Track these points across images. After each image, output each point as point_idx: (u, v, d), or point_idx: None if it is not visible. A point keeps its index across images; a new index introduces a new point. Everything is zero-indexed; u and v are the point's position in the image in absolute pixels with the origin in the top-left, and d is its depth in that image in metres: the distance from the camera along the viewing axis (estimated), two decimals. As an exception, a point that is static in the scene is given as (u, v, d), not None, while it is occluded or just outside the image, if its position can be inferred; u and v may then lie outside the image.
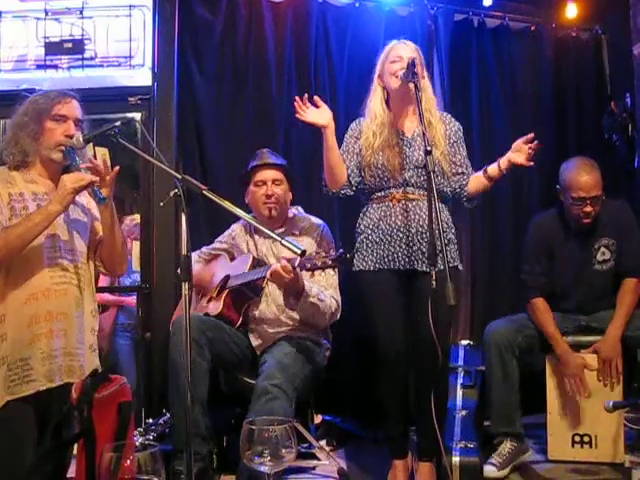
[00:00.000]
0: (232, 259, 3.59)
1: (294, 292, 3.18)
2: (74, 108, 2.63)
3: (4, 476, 2.32)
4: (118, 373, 4.15)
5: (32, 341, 2.42)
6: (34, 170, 2.59)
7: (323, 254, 2.85)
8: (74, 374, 2.51)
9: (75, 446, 2.41)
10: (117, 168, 2.57)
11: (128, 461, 1.21)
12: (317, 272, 3.13)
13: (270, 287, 3.35)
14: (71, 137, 2.57)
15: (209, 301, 3.46)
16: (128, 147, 2.52)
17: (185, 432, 2.17)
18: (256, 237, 3.52)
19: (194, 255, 3.66)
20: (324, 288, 3.28)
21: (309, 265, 2.85)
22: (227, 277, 3.45)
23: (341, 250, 2.90)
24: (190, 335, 2.16)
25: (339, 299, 3.36)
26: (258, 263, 3.39)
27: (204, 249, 3.73)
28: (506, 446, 3.38)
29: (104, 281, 4.62)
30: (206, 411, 3.11)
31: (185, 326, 2.16)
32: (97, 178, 2.49)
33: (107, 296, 4.74)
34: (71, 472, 2.49)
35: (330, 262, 2.83)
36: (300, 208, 3.69)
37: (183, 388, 2.89)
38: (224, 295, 3.37)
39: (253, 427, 1.53)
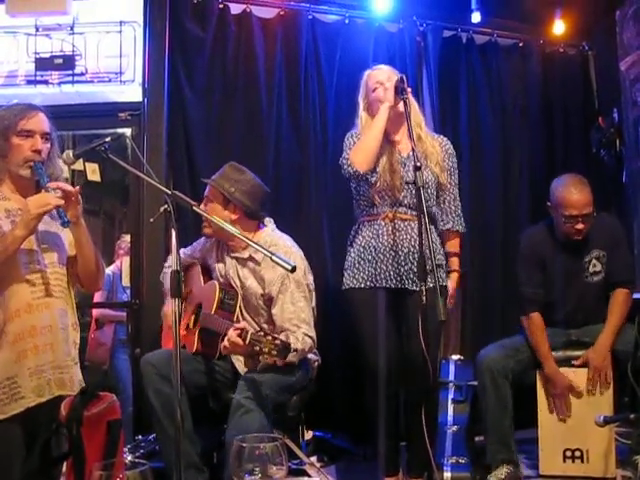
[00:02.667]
0: (203, 273, 3.52)
1: (253, 355, 3.06)
2: (40, 122, 2.59)
3: None
4: (117, 388, 4.16)
5: (18, 358, 2.40)
6: (5, 187, 2.57)
7: (270, 339, 2.77)
8: (65, 387, 2.49)
9: (64, 464, 2.40)
10: (77, 188, 2.54)
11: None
12: (287, 305, 3.15)
13: (245, 313, 3.31)
14: (38, 152, 2.54)
15: (186, 329, 3.42)
16: (118, 163, 2.52)
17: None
18: (226, 257, 3.39)
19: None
20: (296, 326, 3.14)
21: (257, 347, 2.79)
22: (200, 306, 3.38)
23: (290, 342, 2.84)
24: (179, 351, 2.14)
25: (313, 334, 3.19)
26: (225, 294, 3.28)
27: (182, 253, 3.59)
28: (503, 469, 3.36)
29: (99, 296, 4.62)
30: (195, 440, 3.08)
31: (175, 345, 2.14)
32: (62, 202, 2.45)
33: (107, 311, 4.73)
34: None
35: (275, 352, 2.75)
36: (271, 223, 3.45)
37: (168, 425, 2.92)
38: (197, 331, 3.29)
39: (243, 445, 1.52)
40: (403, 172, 3.20)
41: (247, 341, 2.85)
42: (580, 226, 3.46)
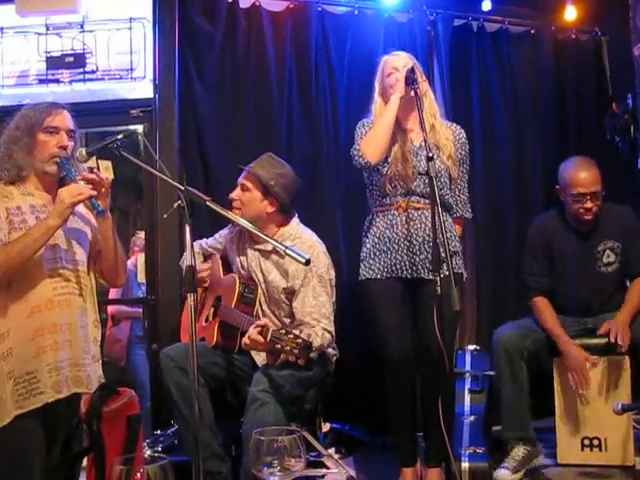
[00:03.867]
0: (223, 264, 3.54)
1: (274, 352, 3.06)
2: (65, 119, 2.62)
3: None
4: (135, 384, 4.18)
5: (38, 354, 2.41)
6: (30, 183, 2.58)
7: (292, 337, 2.79)
8: (81, 384, 2.51)
9: (85, 460, 2.41)
10: (109, 179, 2.57)
11: (138, 474, 1.21)
12: (309, 298, 3.16)
13: (265, 307, 3.33)
14: (64, 148, 2.57)
15: (206, 321, 3.45)
16: (131, 160, 2.53)
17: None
18: (248, 249, 3.40)
19: (196, 246, 3.61)
20: (316, 320, 3.15)
21: (278, 345, 2.80)
22: (219, 299, 3.40)
23: (311, 340, 2.86)
24: (195, 346, 2.15)
25: (333, 329, 3.21)
26: (245, 288, 3.30)
27: (204, 243, 3.66)
28: (519, 450, 3.36)
29: (115, 293, 4.64)
30: (215, 431, 3.12)
31: (191, 339, 2.16)
32: (95, 192, 2.49)
33: (123, 308, 4.75)
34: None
35: (297, 351, 2.77)
36: (296, 217, 3.46)
37: (189, 419, 2.94)
38: (217, 324, 3.30)
39: (262, 438, 1.53)
40: (415, 161, 3.20)
41: (268, 339, 2.86)
42: (589, 204, 3.45)
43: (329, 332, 3.16)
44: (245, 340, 3.00)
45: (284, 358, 2.97)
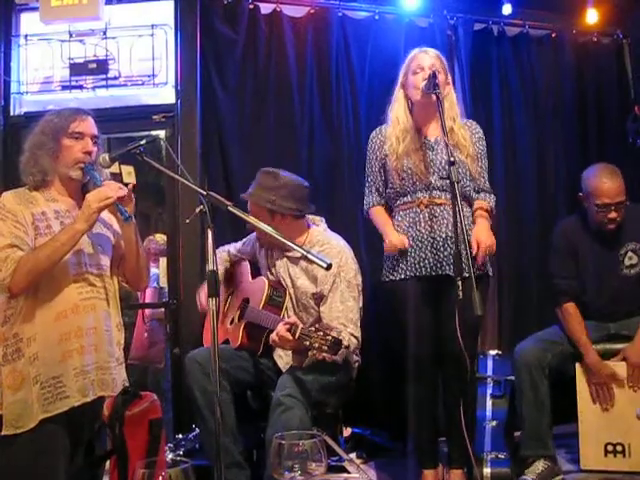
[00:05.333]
0: (252, 269, 3.57)
1: (302, 351, 3.05)
2: (90, 125, 2.65)
3: None
4: (160, 387, 4.20)
5: (64, 358, 2.44)
6: (54, 189, 2.61)
7: (322, 334, 2.78)
8: (107, 387, 2.53)
9: (107, 462, 2.43)
10: (132, 184, 2.59)
11: (160, 478, 1.22)
12: (336, 303, 3.16)
13: (291, 312, 3.32)
14: (89, 154, 2.59)
15: (231, 323, 3.46)
16: (153, 165, 2.55)
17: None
18: (276, 255, 3.42)
19: (224, 253, 3.67)
20: (343, 325, 3.14)
21: (307, 342, 2.80)
22: (247, 301, 3.42)
23: (341, 338, 2.84)
24: (217, 353, 2.16)
25: (359, 334, 3.21)
26: (274, 291, 3.32)
27: (233, 249, 3.70)
28: (539, 465, 3.33)
29: (150, 296, 4.67)
30: (237, 438, 3.12)
31: (213, 343, 2.16)
32: (123, 193, 2.51)
33: (158, 310, 4.79)
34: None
35: (326, 348, 2.76)
36: (323, 223, 3.52)
37: (212, 425, 2.92)
38: (243, 326, 3.32)
39: (283, 442, 1.53)
40: (432, 155, 3.20)
41: (296, 336, 2.87)
42: (613, 215, 3.43)
43: (355, 337, 3.16)
44: (273, 337, 3.00)
45: (312, 356, 2.91)
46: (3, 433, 2.37)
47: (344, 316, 3.15)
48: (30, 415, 2.36)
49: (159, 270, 5.06)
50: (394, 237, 3.20)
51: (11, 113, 4.32)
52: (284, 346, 3.06)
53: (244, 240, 3.66)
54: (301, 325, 2.92)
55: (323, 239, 3.34)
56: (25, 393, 2.38)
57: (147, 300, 4.83)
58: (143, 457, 2.15)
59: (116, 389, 2.55)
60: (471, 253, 2.65)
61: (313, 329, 2.82)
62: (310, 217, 3.46)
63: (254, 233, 3.59)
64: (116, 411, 2.28)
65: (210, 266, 2.24)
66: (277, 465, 1.54)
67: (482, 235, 3.14)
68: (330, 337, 2.76)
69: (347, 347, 2.95)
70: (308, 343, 2.80)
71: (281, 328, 2.95)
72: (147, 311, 4.94)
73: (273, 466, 1.55)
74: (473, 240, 2.97)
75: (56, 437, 2.39)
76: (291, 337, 2.90)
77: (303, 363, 3.07)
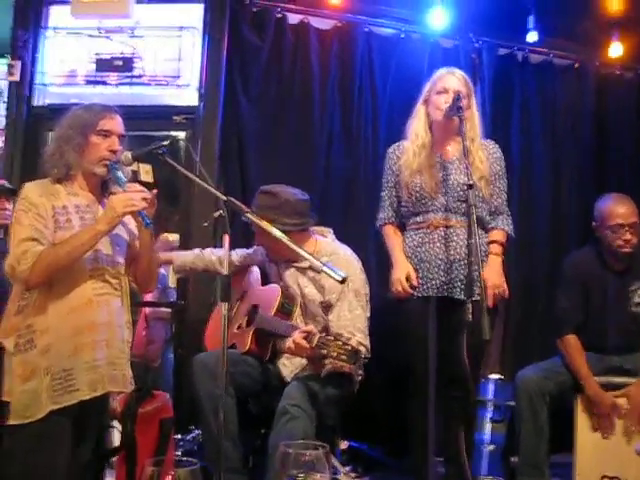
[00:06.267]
0: (262, 275, 3.57)
1: (317, 359, 3.04)
2: (118, 124, 2.66)
3: None
4: (160, 386, 4.22)
5: (75, 352, 2.45)
6: (76, 183, 2.62)
7: (340, 344, 2.78)
8: (117, 383, 2.55)
9: (114, 458, 2.45)
10: (155, 191, 2.60)
11: (169, 477, 1.24)
12: (344, 312, 3.17)
13: (298, 320, 3.32)
14: (115, 152, 2.60)
15: (238, 327, 3.48)
16: (175, 167, 2.57)
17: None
18: (283, 265, 3.43)
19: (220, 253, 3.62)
20: (351, 334, 3.13)
21: (325, 351, 2.80)
22: (256, 307, 3.42)
23: (361, 348, 2.86)
24: (226, 359, 2.17)
25: (368, 343, 3.21)
26: (286, 300, 3.31)
27: (235, 253, 3.66)
28: None
29: (150, 295, 4.68)
30: (238, 444, 3.12)
31: (222, 346, 2.18)
32: (146, 205, 2.51)
33: (160, 309, 4.80)
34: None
35: (345, 357, 2.75)
36: (331, 234, 3.53)
37: (214, 429, 2.95)
38: (251, 332, 3.30)
39: (290, 450, 1.54)
40: (446, 175, 3.21)
41: (313, 344, 2.87)
42: (628, 236, 3.48)
43: (364, 345, 3.17)
44: (290, 344, 3.00)
45: (331, 365, 2.89)
46: (11, 422, 2.38)
47: (352, 325, 3.15)
48: (39, 406, 2.37)
49: (167, 271, 5.06)
50: (400, 272, 3.21)
51: (34, 104, 4.37)
52: (300, 354, 3.06)
53: (255, 247, 3.66)
54: (318, 334, 2.92)
55: (331, 250, 3.35)
56: (35, 384, 2.40)
57: (148, 299, 4.83)
58: (152, 455, 2.17)
59: (125, 385, 2.57)
60: (481, 274, 2.65)
61: (331, 338, 2.82)
62: (318, 228, 3.48)
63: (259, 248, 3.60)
64: (129, 408, 2.30)
65: (225, 271, 2.26)
66: (281, 473, 1.55)
67: (492, 276, 3.13)
68: (349, 346, 2.77)
69: (365, 358, 2.97)
70: (325, 352, 2.79)
71: (297, 336, 2.95)
72: (148, 310, 4.95)
73: (278, 474, 1.56)
74: (482, 280, 2.94)
75: (62, 428, 2.41)
76: (307, 345, 2.90)
77: (320, 371, 3.02)
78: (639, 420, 3.39)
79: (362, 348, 3.13)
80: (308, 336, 2.91)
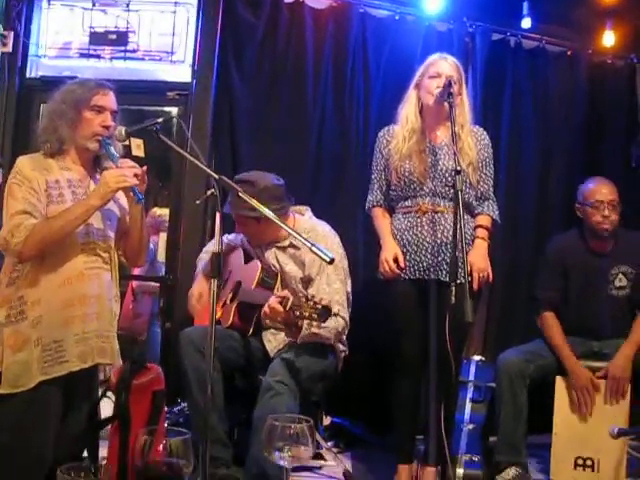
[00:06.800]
0: (245, 255, 3.63)
1: (292, 324, 3.16)
2: (111, 100, 2.68)
3: (27, 455, 2.39)
4: (153, 360, 4.29)
5: (66, 323, 2.49)
6: (69, 158, 2.65)
7: (312, 304, 2.84)
8: (106, 355, 2.59)
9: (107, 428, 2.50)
10: (145, 167, 2.63)
11: (161, 445, 1.29)
12: (323, 285, 3.25)
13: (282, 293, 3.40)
14: (107, 128, 2.63)
15: (223, 305, 3.53)
16: (169, 144, 2.59)
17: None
18: (264, 247, 3.50)
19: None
20: (330, 304, 3.16)
21: (298, 312, 2.88)
22: (239, 283, 3.49)
23: (339, 320, 2.97)
24: (214, 336, 2.22)
25: (346, 316, 3.31)
26: (266, 273, 3.40)
27: (226, 237, 3.73)
28: (511, 471, 3.42)
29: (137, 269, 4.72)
30: (223, 417, 3.19)
31: (211, 321, 2.23)
32: (138, 182, 2.55)
33: (147, 283, 4.84)
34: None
35: (316, 316, 2.83)
36: (308, 211, 3.62)
37: (200, 402, 3.00)
38: (234, 306, 3.40)
39: (276, 423, 1.61)
40: (433, 160, 3.25)
41: (287, 307, 2.95)
42: (606, 212, 3.58)
43: (342, 317, 3.25)
44: (265, 309, 3.08)
45: (305, 333, 3.04)
46: (1, 391, 2.42)
47: (331, 298, 3.17)
48: (29, 376, 2.42)
49: (154, 245, 5.09)
50: (388, 253, 3.25)
51: (27, 75, 4.36)
52: (275, 318, 3.12)
53: (234, 235, 3.72)
54: (292, 297, 2.99)
55: (309, 227, 3.43)
56: (26, 354, 2.44)
57: (136, 272, 4.87)
58: (144, 425, 2.23)
59: (113, 358, 2.61)
60: (466, 261, 2.71)
61: (304, 299, 2.89)
62: (295, 207, 3.54)
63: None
64: (123, 379, 2.35)
65: (215, 248, 2.30)
66: (268, 444, 1.62)
67: (477, 260, 3.19)
68: (320, 305, 2.84)
69: (336, 314, 3.07)
70: (298, 313, 2.87)
71: (273, 300, 3.04)
72: (135, 283, 4.99)
73: (264, 445, 1.63)
74: (467, 264, 3.00)
75: (51, 396, 2.45)
76: (282, 309, 2.99)
77: (297, 338, 3.15)
78: (617, 393, 3.46)
79: (340, 320, 3.22)
80: (283, 300, 2.99)
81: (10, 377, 2.43)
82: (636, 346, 3.52)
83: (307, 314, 2.85)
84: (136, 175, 2.56)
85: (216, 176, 2.37)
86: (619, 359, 3.50)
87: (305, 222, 3.48)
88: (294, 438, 1.62)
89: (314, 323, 2.90)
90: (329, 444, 3.80)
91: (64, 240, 2.51)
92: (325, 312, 2.84)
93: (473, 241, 3.25)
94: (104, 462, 2.45)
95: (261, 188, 3.31)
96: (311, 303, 2.85)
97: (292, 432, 1.62)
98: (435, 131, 3.33)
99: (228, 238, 3.73)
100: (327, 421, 4.05)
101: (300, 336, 3.14)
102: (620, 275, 3.65)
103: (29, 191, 2.49)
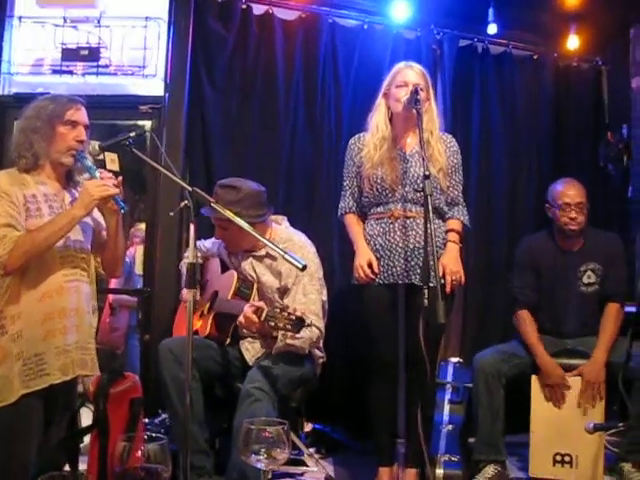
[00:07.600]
0: (222, 264, 3.66)
1: (267, 335, 3.25)
2: (84, 115, 2.72)
3: (10, 467, 2.40)
4: (132, 372, 4.29)
5: (47, 337, 2.50)
6: (43, 172, 2.66)
7: (286, 314, 2.90)
8: (86, 367, 2.61)
9: (87, 437, 2.53)
10: (120, 178, 2.66)
11: (139, 452, 1.32)
12: (299, 295, 3.29)
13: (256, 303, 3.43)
14: (82, 142, 2.66)
15: (201, 316, 3.56)
16: (142, 158, 2.63)
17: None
18: (241, 255, 3.53)
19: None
20: (304, 315, 3.19)
21: (272, 323, 2.93)
22: (216, 293, 3.52)
23: (305, 316, 2.96)
24: (191, 346, 2.25)
25: (321, 325, 3.34)
26: (242, 283, 3.44)
27: (203, 245, 3.75)
28: (490, 469, 3.48)
29: (115, 282, 4.73)
30: (204, 426, 3.21)
31: (188, 331, 2.26)
32: (118, 190, 2.59)
33: (123, 297, 4.85)
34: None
35: (290, 327, 2.89)
36: (285, 221, 3.65)
37: (180, 412, 3.00)
38: (212, 316, 3.44)
39: (252, 427, 1.65)
40: (406, 167, 3.30)
41: (262, 318, 3.00)
42: (573, 215, 3.67)
43: (317, 327, 3.29)
44: (240, 319, 3.12)
45: (280, 343, 3.09)
46: None
47: (306, 308, 3.24)
48: (11, 390, 2.43)
49: (130, 258, 5.10)
50: (362, 259, 3.29)
51: (0, 93, 4.37)
52: (250, 328, 3.18)
53: (213, 238, 3.72)
54: (267, 308, 3.04)
55: (286, 236, 3.48)
56: (7, 369, 2.44)
57: (112, 286, 4.88)
58: (123, 432, 2.26)
59: (93, 369, 2.63)
60: (436, 261, 2.76)
61: (278, 310, 2.94)
62: (273, 217, 3.58)
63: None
64: (101, 388, 2.38)
65: (190, 259, 2.34)
66: (244, 448, 1.66)
67: (450, 263, 3.25)
68: (294, 316, 2.89)
69: (310, 325, 3.12)
70: (273, 324, 2.93)
71: (247, 310, 3.08)
72: (112, 297, 5.00)
73: (241, 448, 1.66)
74: (440, 267, 3.05)
75: (33, 411, 2.46)
76: (256, 319, 3.03)
77: (272, 348, 3.20)
78: (592, 398, 3.53)
79: (315, 329, 3.26)
80: (257, 310, 3.04)
81: None
82: (607, 350, 3.59)
83: (281, 325, 2.91)
84: (116, 185, 2.59)
85: (190, 188, 2.41)
86: (593, 365, 3.57)
87: (282, 232, 3.52)
88: (270, 441, 1.66)
89: (288, 334, 2.96)
90: (311, 450, 3.83)
91: (47, 252, 2.52)
92: (299, 323, 2.89)
93: (445, 245, 3.31)
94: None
95: (245, 193, 3.36)
96: (285, 314, 2.91)
97: (268, 435, 1.66)
98: (405, 138, 3.38)
99: (205, 246, 3.76)
100: (308, 428, 4.08)
101: (275, 347, 3.20)
102: (589, 272, 3.73)
103: (9, 205, 2.51)
